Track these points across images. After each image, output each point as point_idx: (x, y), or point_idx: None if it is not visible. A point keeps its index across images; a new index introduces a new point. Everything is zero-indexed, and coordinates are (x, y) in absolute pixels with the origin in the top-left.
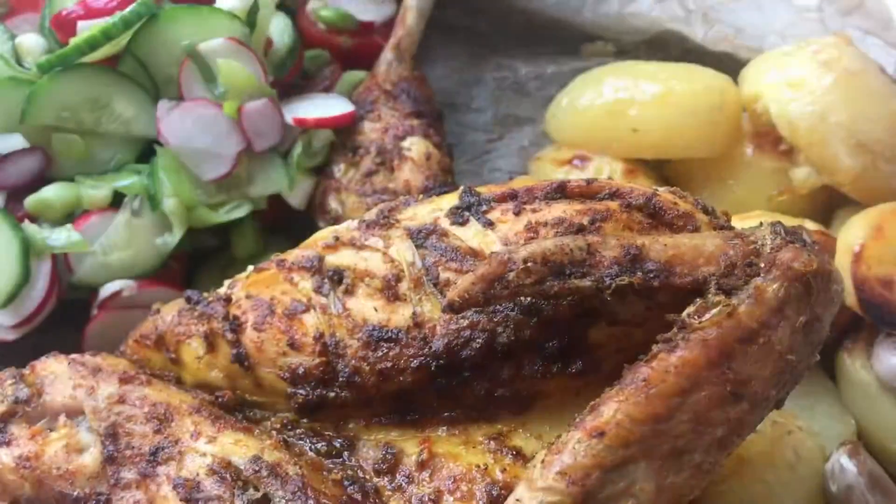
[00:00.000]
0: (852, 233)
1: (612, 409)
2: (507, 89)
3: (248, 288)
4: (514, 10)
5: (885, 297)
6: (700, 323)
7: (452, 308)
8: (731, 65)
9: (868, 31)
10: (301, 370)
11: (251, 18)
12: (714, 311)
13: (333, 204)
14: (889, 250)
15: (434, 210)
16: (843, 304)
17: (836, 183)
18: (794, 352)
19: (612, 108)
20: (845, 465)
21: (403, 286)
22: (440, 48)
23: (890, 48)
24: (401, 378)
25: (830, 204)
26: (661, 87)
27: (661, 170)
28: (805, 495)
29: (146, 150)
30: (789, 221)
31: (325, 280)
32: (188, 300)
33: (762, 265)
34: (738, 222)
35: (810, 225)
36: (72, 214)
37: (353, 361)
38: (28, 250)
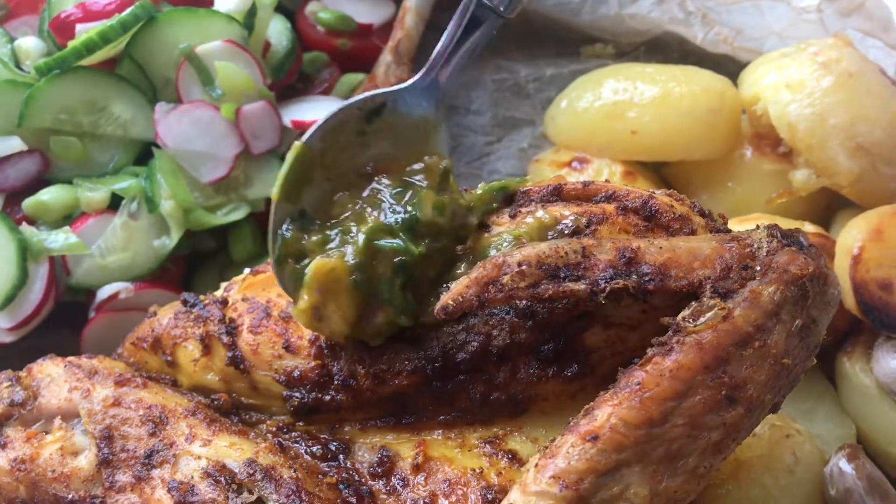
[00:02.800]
0: (851, 235)
1: (607, 413)
2: (507, 91)
3: (244, 291)
4: None
5: (885, 300)
6: (695, 326)
7: (446, 311)
8: (730, 67)
9: (868, 32)
10: (297, 373)
11: (249, 21)
12: (709, 314)
13: None
14: (888, 253)
15: None
16: (842, 306)
17: (835, 185)
18: (789, 355)
19: (611, 110)
20: (844, 468)
21: None
22: None
23: (890, 50)
24: (396, 381)
25: (830, 206)
26: (660, 89)
27: (660, 172)
28: (804, 499)
29: (144, 153)
30: (789, 223)
31: None
32: (184, 303)
33: (758, 268)
34: (737, 224)
35: (810, 227)
36: (70, 217)
37: (349, 364)
38: (25, 253)
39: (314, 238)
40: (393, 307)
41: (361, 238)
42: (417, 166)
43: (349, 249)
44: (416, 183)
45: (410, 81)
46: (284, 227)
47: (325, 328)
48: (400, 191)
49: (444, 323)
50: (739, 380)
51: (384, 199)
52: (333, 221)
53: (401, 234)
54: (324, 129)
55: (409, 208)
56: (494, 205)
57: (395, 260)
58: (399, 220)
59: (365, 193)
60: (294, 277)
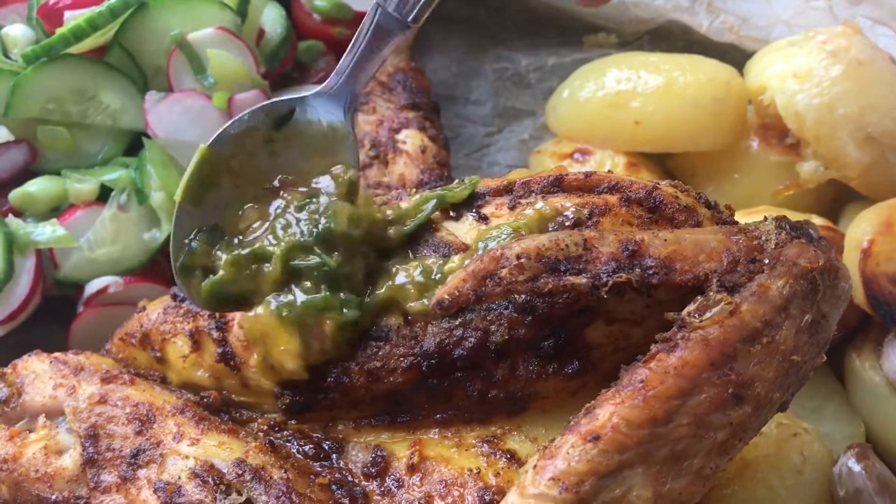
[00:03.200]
0: (861, 228)
1: (608, 412)
2: (507, 81)
3: None
4: (515, 0)
5: (895, 295)
6: (701, 322)
7: (442, 306)
8: (736, 56)
9: (878, 20)
10: None
11: (242, 8)
12: (716, 309)
13: None
14: None
15: None
16: (851, 301)
17: (843, 177)
18: (799, 352)
19: (614, 99)
20: (853, 468)
21: None
22: (438, 39)
23: None
24: (391, 378)
25: (838, 199)
26: (664, 78)
27: (664, 163)
28: (812, 500)
29: (134, 143)
30: (796, 216)
31: None
32: (174, 297)
33: (766, 261)
34: (743, 217)
35: (817, 220)
36: (57, 209)
37: (342, 361)
38: (12, 245)
39: (225, 257)
40: (333, 310)
41: (277, 265)
42: (324, 178)
43: (267, 281)
44: (325, 192)
45: (318, 88)
46: (192, 236)
47: (284, 372)
48: (311, 203)
49: (438, 317)
50: (747, 377)
51: (295, 215)
52: (242, 239)
53: (315, 248)
54: (229, 133)
55: (324, 220)
56: (426, 207)
57: (315, 273)
58: (313, 232)
59: (273, 208)
60: (204, 291)
